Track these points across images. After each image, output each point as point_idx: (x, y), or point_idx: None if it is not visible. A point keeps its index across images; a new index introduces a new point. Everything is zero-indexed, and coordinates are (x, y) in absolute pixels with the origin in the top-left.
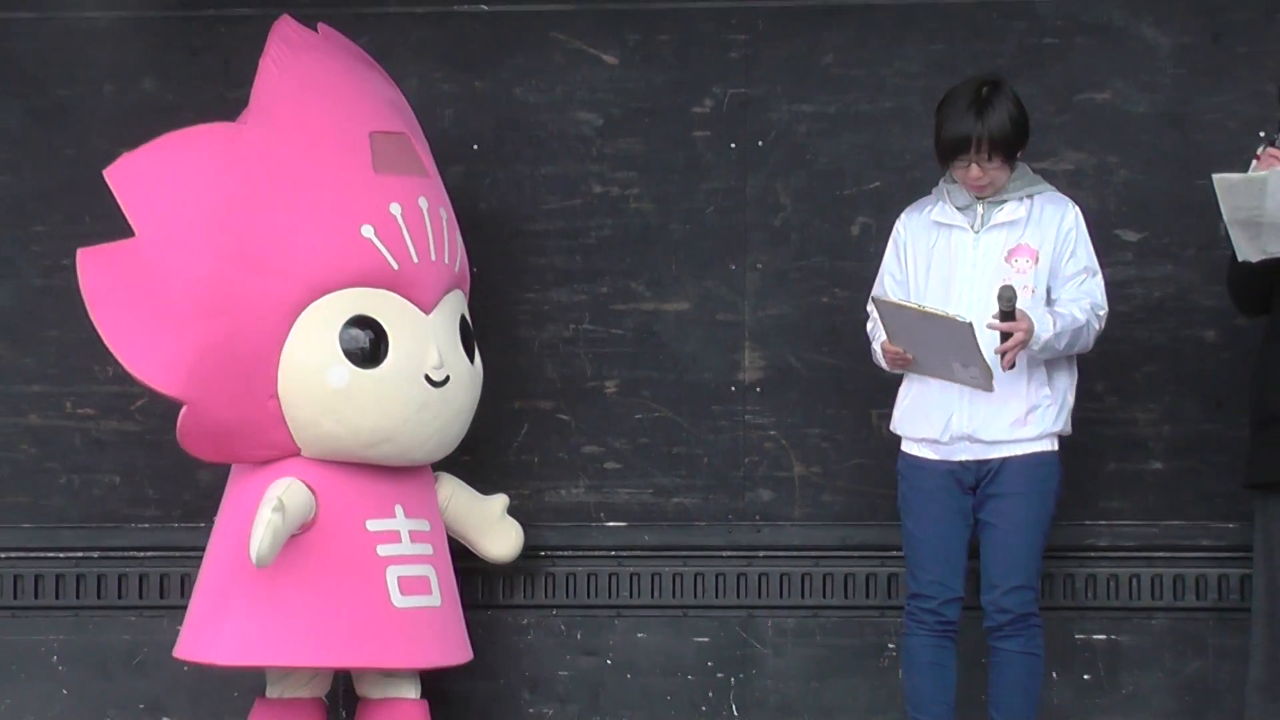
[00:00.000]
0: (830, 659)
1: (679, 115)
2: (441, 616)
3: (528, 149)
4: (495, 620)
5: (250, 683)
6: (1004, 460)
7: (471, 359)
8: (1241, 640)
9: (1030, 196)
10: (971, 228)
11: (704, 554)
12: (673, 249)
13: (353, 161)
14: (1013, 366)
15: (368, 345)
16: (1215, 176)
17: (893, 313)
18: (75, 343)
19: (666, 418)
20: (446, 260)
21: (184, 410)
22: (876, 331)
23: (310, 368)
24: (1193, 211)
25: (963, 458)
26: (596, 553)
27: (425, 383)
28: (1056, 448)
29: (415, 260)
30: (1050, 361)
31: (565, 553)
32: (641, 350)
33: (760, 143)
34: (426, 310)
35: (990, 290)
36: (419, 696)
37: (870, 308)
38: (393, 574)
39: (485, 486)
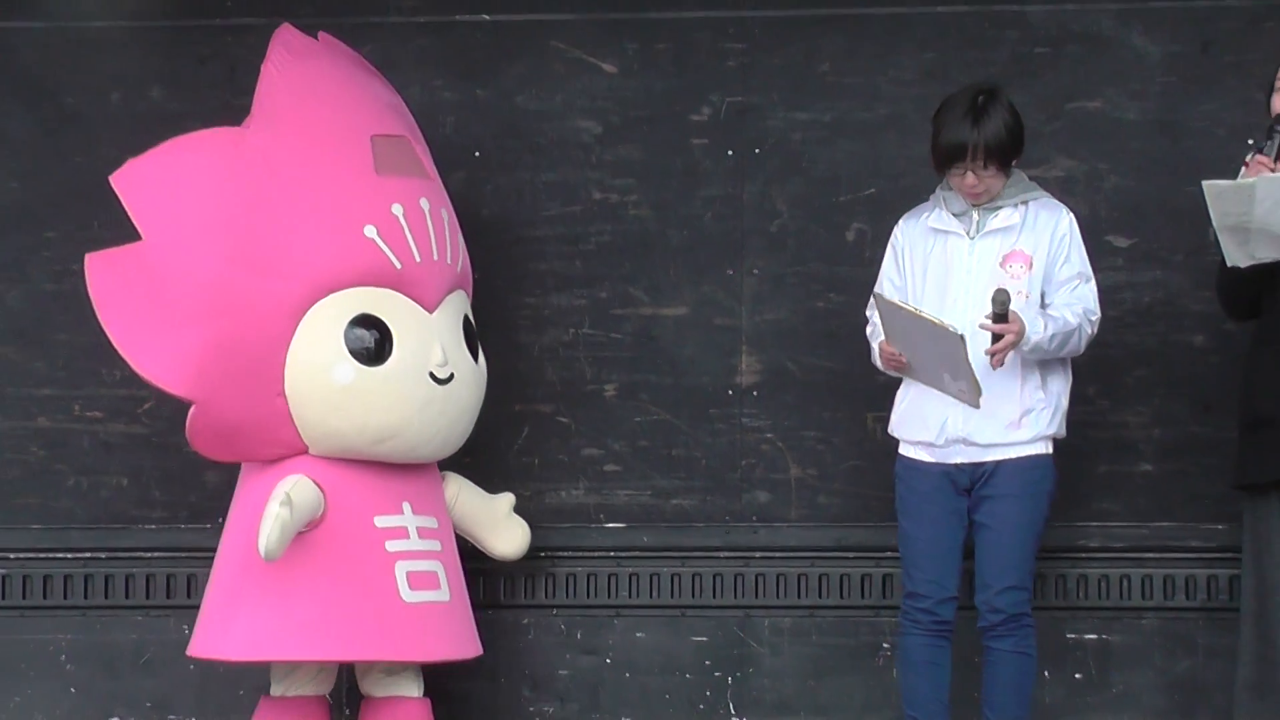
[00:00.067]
0: (826, 658)
1: (677, 123)
2: (450, 611)
3: (528, 156)
4: (496, 620)
5: (255, 680)
6: (998, 463)
7: (475, 358)
8: (1230, 640)
9: (1025, 203)
10: (967, 234)
11: (702, 555)
12: (671, 254)
13: (354, 163)
14: (1000, 365)
15: (372, 344)
16: (1204, 183)
17: (891, 312)
18: (84, 347)
19: (665, 420)
20: (449, 260)
21: (192, 410)
22: (876, 333)
23: (316, 366)
24: (1182, 217)
25: (958, 460)
26: (596, 553)
27: (430, 380)
28: (1050, 450)
29: (418, 260)
30: (1044, 365)
31: (565, 553)
32: (640, 354)
33: (757, 150)
34: (430, 309)
35: (985, 295)
36: (422, 695)
37: (870, 312)
38: (401, 569)
39: (487, 488)
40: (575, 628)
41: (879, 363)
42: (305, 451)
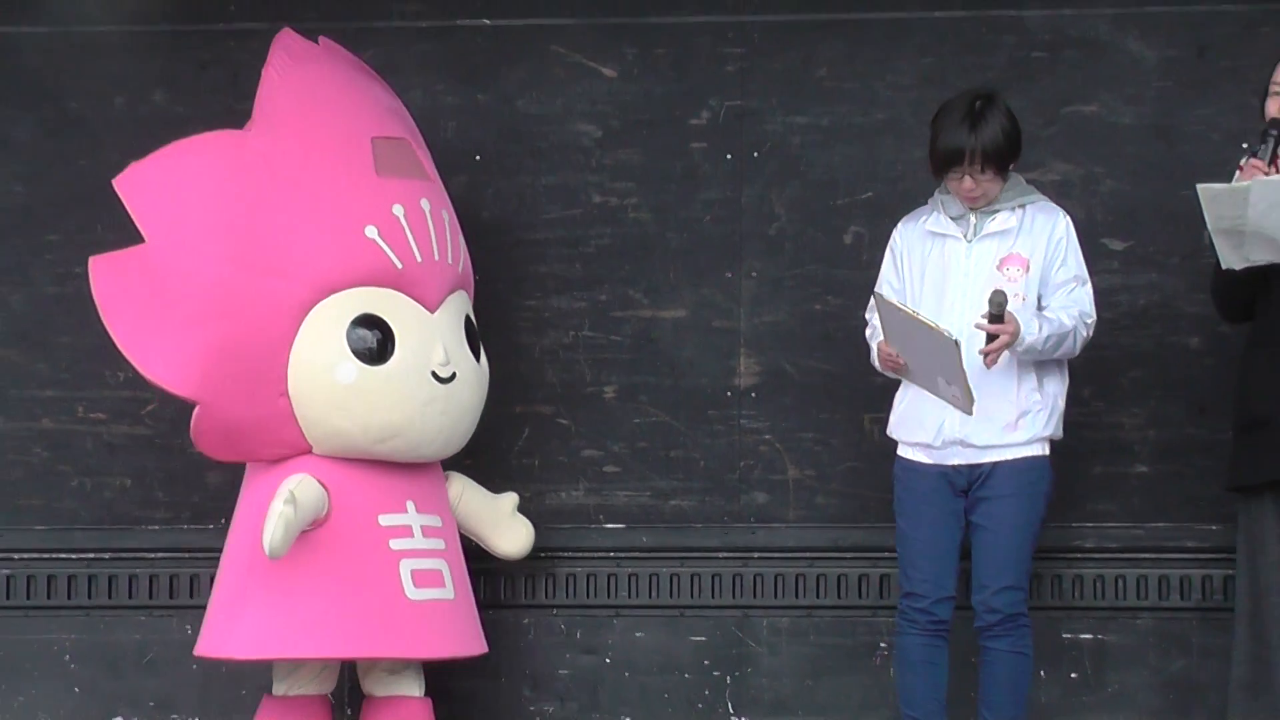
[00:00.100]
0: (824, 658)
1: (676, 127)
2: (455, 609)
3: (529, 160)
4: (497, 620)
5: (258, 680)
6: (995, 464)
7: (477, 358)
8: (1224, 639)
9: (1022, 206)
10: (965, 237)
11: (700, 555)
12: (670, 257)
13: (355, 165)
14: (994, 364)
15: (374, 343)
16: (1199, 186)
17: (890, 313)
18: (87, 349)
19: (664, 422)
20: (450, 260)
21: (197, 410)
22: (876, 334)
23: (319, 366)
24: (1177, 221)
25: (955, 462)
26: (595, 554)
27: (432, 379)
28: (1047, 452)
29: (419, 260)
30: (1041, 367)
31: (565, 554)
32: (639, 356)
33: (755, 154)
34: (431, 309)
35: (982, 298)
36: (423, 694)
37: (869, 314)
38: (405, 567)
39: (488, 489)
40: (575, 627)
41: (877, 364)
42: (309, 451)
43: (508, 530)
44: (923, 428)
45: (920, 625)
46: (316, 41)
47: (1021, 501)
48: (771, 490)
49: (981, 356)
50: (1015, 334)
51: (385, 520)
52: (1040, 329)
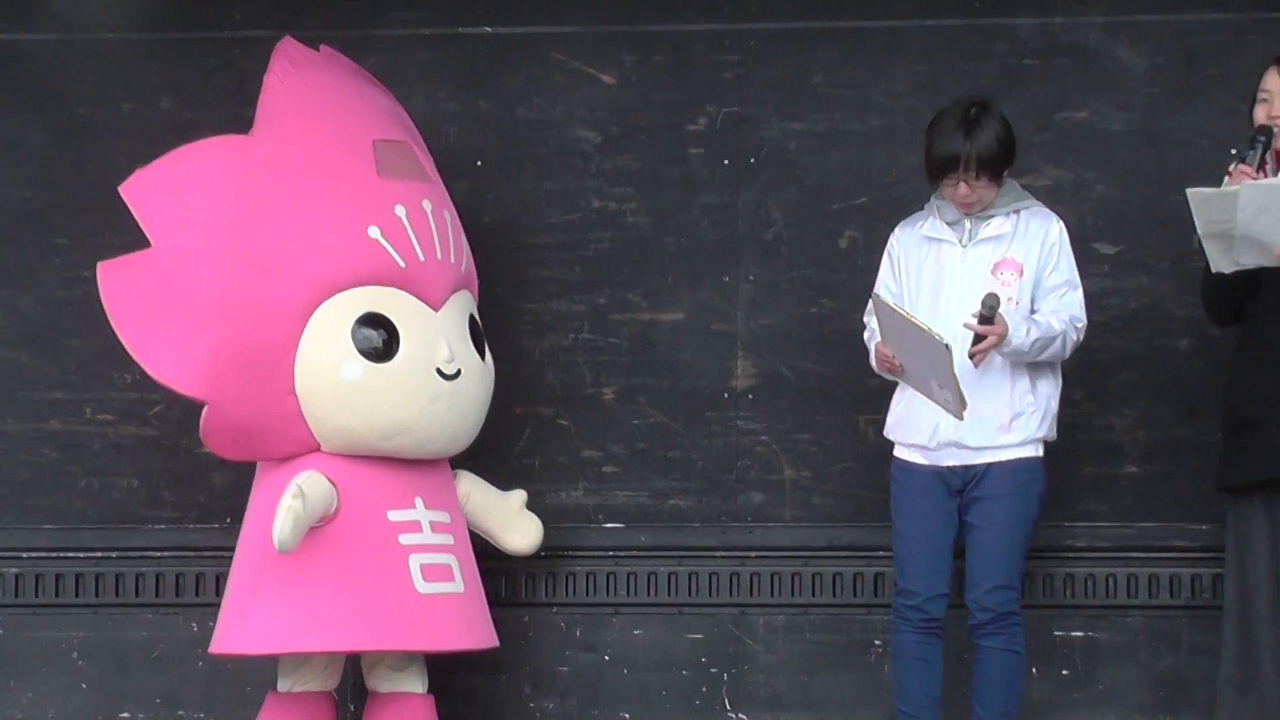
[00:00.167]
0: (819, 654)
1: (674, 133)
2: (465, 602)
3: (529, 165)
4: (498, 618)
5: (263, 676)
6: (989, 465)
7: (482, 356)
8: (1213, 637)
9: (1017, 212)
10: (960, 242)
11: (698, 554)
12: (668, 261)
13: (357, 167)
14: (981, 364)
15: (380, 342)
16: (1189, 191)
17: (888, 315)
18: (95, 351)
19: (662, 423)
20: (453, 260)
21: (206, 411)
22: (874, 336)
23: (325, 364)
24: (1167, 225)
25: (950, 463)
26: (595, 553)
27: (437, 376)
28: (1041, 453)
29: (421, 259)
30: (1034, 369)
31: (565, 553)
32: (638, 358)
33: (752, 159)
34: (435, 307)
35: (977, 302)
36: (426, 691)
37: (868, 317)
38: (415, 562)
39: None
40: (575, 625)
41: (875, 365)
42: (318, 449)
43: (517, 527)
44: (918, 430)
45: (913, 623)
46: (318, 49)
47: (1015, 502)
48: (768, 490)
49: (971, 366)
50: (1003, 336)
51: (394, 516)
52: (1028, 332)
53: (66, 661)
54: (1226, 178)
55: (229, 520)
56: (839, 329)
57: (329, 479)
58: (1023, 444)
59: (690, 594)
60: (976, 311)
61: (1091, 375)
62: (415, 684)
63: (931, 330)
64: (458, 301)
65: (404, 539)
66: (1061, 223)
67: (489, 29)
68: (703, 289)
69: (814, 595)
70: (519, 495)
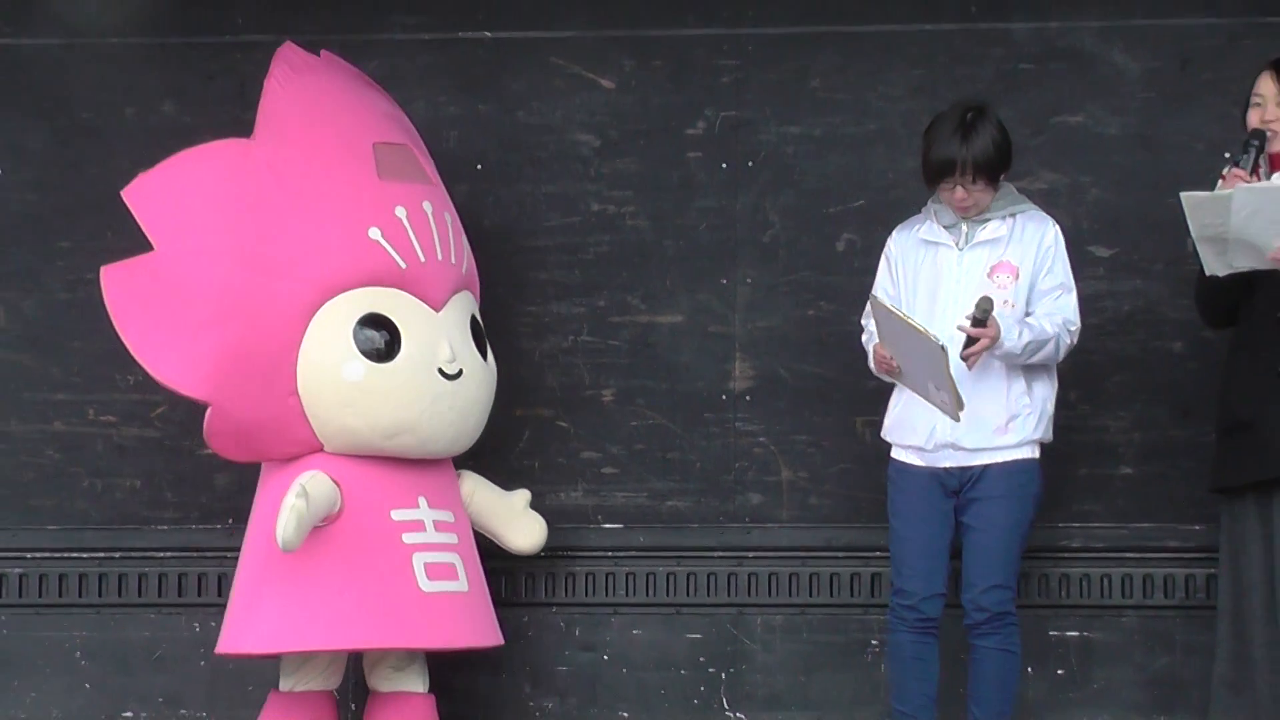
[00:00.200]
0: (817, 654)
1: (673, 137)
2: (469, 601)
3: (529, 169)
4: (498, 618)
5: (265, 675)
6: (986, 467)
7: (484, 357)
8: (1207, 637)
9: (1013, 215)
10: (956, 245)
11: (696, 554)
12: (667, 264)
13: (357, 169)
14: (974, 366)
15: (381, 343)
16: (1183, 195)
17: (886, 317)
18: (98, 353)
19: (661, 425)
20: (453, 261)
21: (209, 412)
22: (873, 338)
23: (327, 365)
24: (1161, 228)
25: (947, 464)
26: (594, 553)
27: (439, 375)
28: (1037, 455)
29: (422, 260)
30: (1030, 372)
31: (564, 553)
32: (637, 360)
33: (750, 163)
34: (436, 308)
35: (973, 305)
36: (427, 690)
37: (866, 320)
38: (419, 560)
39: None
40: (574, 625)
41: (873, 366)
42: (321, 449)
43: (521, 526)
44: (915, 431)
45: (910, 622)
46: (318, 54)
47: (1011, 503)
48: (766, 491)
49: (966, 370)
50: (995, 339)
51: (397, 515)
52: (1020, 335)
53: (70, 661)
54: (1220, 181)
55: (231, 521)
56: (836, 331)
57: (332, 479)
58: (1019, 446)
59: (688, 594)
60: (970, 314)
61: (1086, 377)
62: (416, 683)
63: (928, 332)
64: (459, 302)
65: (407, 538)
66: (1057, 226)
67: (489, 34)
68: (701, 291)
69: (811, 595)
70: (523, 495)
